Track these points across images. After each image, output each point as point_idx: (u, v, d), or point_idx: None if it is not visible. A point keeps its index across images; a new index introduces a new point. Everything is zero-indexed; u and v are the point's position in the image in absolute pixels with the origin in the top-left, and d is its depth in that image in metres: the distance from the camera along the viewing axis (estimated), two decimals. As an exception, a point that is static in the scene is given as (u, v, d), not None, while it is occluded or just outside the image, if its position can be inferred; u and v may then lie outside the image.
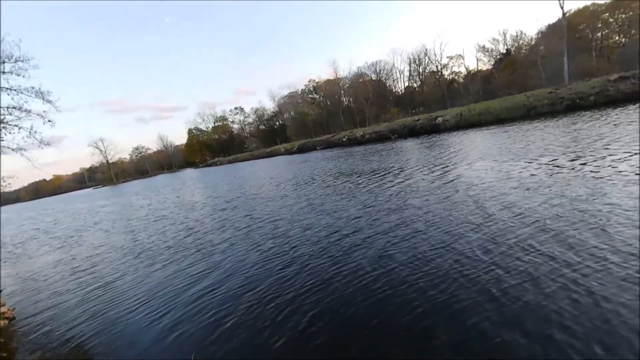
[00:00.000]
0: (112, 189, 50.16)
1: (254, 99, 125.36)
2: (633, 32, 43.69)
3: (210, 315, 3.25)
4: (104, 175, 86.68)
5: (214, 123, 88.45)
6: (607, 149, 6.92)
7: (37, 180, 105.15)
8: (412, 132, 27.72)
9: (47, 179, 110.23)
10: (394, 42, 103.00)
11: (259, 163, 36.55)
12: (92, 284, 5.16)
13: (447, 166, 8.96)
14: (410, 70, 62.14)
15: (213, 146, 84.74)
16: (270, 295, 3.49)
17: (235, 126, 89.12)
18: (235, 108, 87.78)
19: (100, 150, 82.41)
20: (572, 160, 6.61)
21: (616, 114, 12.28)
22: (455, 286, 2.92)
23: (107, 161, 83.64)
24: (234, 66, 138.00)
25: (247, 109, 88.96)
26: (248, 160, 53.04)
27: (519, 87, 39.29)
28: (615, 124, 9.97)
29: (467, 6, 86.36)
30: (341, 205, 6.94)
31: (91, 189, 79.46)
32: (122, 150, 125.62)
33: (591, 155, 6.64)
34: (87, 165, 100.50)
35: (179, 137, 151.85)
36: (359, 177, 10.24)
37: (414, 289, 3.01)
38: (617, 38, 45.87)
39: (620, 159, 5.89)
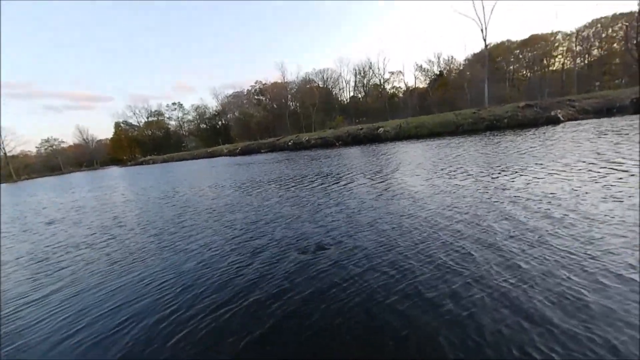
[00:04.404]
0: (10, 187, 41.49)
1: (194, 96, 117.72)
2: (536, 68, 52.19)
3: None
4: (1, 170, 72.08)
5: (148, 118, 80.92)
6: (512, 167, 7.79)
7: None
8: (356, 140, 28.65)
9: None
10: (340, 51, 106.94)
11: (199, 163, 34.02)
12: None
13: (385, 173, 9.18)
14: (355, 81, 65.00)
15: (145, 143, 77.18)
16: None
17: (173, 123, 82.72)
18: (174, 103, 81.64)
19: (-5, 140, 68.38)
20: (485, 173, 7.26)
21: (520, 136, 14.20)
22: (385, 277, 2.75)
23: (5, 154, 69.66)
24: (171, 59, 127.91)
25: (187, 106, 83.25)
26: (186, 159, 49.21)
27: (449, 105, 43.65)
28: (518, 145, 11.44)
29: (408, 28, 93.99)
30: (294, 204, 6.53)
31: (-22, 187, 64.88)
32: (26, 141, 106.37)
33: (502, 170, 7.40)
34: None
35: (103, 131, 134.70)
36: (311, 180, 9.95)
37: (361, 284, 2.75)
38: (524, 72, 54.28)
39: (516, 174, 6.64)
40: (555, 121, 19.72)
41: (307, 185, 9.13)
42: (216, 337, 2.47)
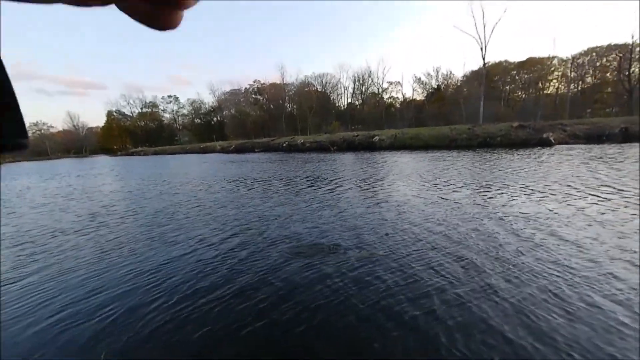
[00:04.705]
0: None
1: (191, 90, 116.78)
2: (531, 90, 53.45)
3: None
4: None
5: (142, 109, 79.77)
6: (498, 183, 7.91)
7: None
8: (351, 147, 28.76)
9: None
10: (341, 57, 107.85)
11: (191, 157, 33.60)
12: None
13: (376, 181, 9.18)
14: (354, 88, 65.39)
15: (137, 134, 76.02)
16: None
17: (167, 115, 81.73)
18: (169, 96, 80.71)
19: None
20: (473, 189, 7.35)
21: (511, 155, 14.47)
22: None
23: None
24: (170, 51, 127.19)
25: (183, 100, 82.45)
26: (178, 153, 48.62)
27: (444, 119, 44.31)
28: (508, 164, 11.64)
29: (410, 40, 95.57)
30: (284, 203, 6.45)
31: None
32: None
33: (487, 187, 7.50)
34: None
35: (95, 119, 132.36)
36: (302, 182, 9.88)
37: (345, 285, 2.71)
38: (519, 93, 55.53)
39: (499, 192, 6.75)
40: (546, 143, 20.14)
41: (297, 188, 9.06)
42: (194, 328, 2.43)
